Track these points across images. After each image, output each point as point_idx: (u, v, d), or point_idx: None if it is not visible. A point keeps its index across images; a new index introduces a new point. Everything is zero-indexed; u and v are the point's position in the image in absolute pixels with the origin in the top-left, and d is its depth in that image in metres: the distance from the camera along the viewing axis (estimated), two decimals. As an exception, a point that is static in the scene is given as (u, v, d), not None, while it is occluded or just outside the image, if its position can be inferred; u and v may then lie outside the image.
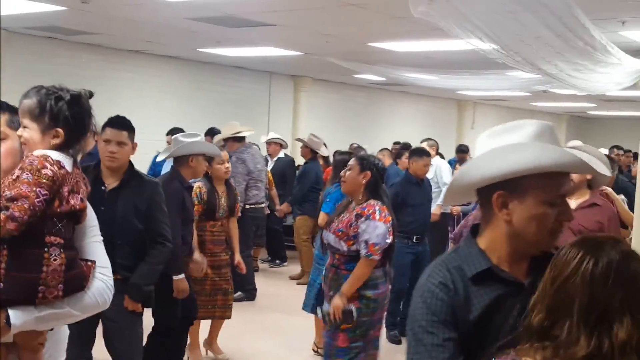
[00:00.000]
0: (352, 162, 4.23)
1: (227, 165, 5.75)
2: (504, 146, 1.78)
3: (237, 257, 6.04)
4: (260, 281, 8.61)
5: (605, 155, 4.68)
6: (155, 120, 10.68)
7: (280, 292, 8.74)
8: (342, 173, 4.36)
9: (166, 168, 6.37)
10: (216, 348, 5.91)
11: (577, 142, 4.71)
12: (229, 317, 5.79)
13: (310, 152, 9.40)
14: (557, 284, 1.58)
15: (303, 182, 9.13)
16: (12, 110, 2.20)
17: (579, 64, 6.12)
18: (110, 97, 9.70)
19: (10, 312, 1.95)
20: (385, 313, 4.50)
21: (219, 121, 9.43)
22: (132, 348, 4.12)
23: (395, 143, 11.71)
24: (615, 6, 6.38)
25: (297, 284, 8.98)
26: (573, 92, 7.46)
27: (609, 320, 1.51)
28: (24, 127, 2.11)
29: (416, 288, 1.81)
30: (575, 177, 3.72)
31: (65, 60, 10.81)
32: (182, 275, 4.76)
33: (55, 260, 2.03)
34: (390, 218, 3.95)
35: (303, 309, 6.16)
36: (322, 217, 6.09)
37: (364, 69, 11.45)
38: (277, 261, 10.47)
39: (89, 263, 2.18)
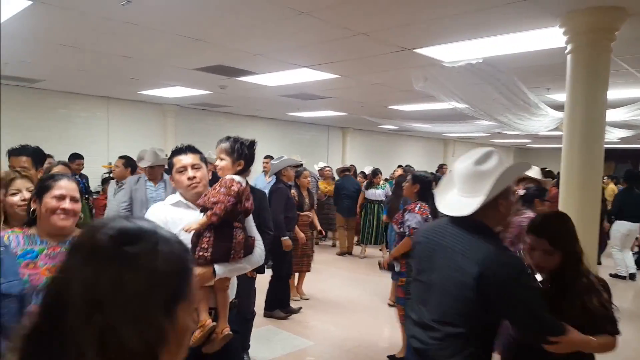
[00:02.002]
0: (408, 177, 4.15)
1: (308, 179, 5.79)
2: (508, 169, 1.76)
3: (319, 227, 6.18)
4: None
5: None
6: (260, 155, 10.80)
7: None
8: (403, 184, 4.34)
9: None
10: (301, 291, 5.86)
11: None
12: (309, 271, 5.74)
13: (340, 172, 9.03)
14: None
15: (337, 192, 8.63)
16: (199, 152, 2.28)
17: (520, 115, 5.94)
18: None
19: (215, 266, 2.07)
20: None
21: (300, 154, 9.52)
22: (251, 298, 4.16)
23: (399, 166, 11.23)
24: (543, 79, 6.26)
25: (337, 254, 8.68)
26: (517, 132, 7.23)
27: None
28: (221, 159, 2.23)
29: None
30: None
31: (211, 122, 11.11)
32: (287, 237, 4.88)
33: (239, 236, 2.13)
34: (427, 212, 3.78)
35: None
36: (385, 218, 6.61)
37: (385, 122, 11.38)
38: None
39: (252, 238, 2.25)
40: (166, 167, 4.82)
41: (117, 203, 4.76)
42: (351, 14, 3.89)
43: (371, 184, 8.29)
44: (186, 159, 2.20)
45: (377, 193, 8.21)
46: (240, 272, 2.21)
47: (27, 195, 2.07)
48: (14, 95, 8.06)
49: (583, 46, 3.70)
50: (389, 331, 4.97)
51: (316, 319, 5.17)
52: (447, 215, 1.84)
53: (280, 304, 5.18)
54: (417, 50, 4.89)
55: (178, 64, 6.00)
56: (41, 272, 1.77)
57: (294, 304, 5.43)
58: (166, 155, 5.22)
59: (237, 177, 2.17)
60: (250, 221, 2.30)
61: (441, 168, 10.66)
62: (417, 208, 3.80)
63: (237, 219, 2.15)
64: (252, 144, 2.27)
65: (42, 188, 1.84)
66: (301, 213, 5.43)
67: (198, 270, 2.00)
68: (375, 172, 8.36)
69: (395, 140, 16.52)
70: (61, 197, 1.82)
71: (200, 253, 2.03)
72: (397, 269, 3.91)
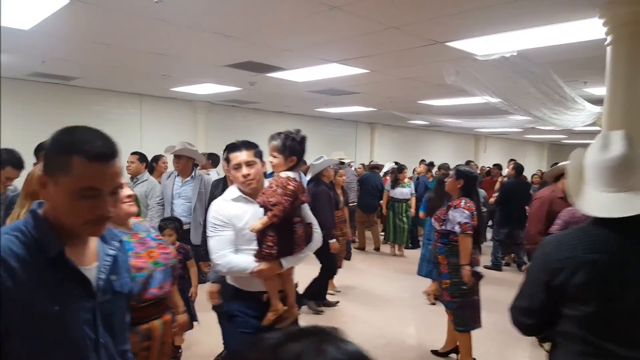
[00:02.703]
0: (452, 172, 3.92)
1: (344, 177, 5.77)
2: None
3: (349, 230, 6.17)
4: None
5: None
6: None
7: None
8: (445, 180, 4.05)
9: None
10: (333, 285, 5.85)
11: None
12: (341, 267, 5.68)
13: (370, 169, 8.96)
14: None
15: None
16: (256, 147, 2.33)
17: (556, 110, 5.77)
18: (263, 140, 9.81)
19: (282, 260, 2.22)
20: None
21: (327, 151, 9.48)
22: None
23: (421, 161, 11.01)
24: (580, 72, 6.08)
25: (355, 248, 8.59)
26: (552, 127, 7.03)
27: None
28: (274, 157, 2.30)
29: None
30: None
31: (241, 118, 11.24)
32: (335, 240, 4.94)
33: (299, 230, 2.27)
34: (473, 208, 3.56)
35: (418, 274, 5.78)
36: (422, 214, 6.25)
37: (414, 117, 11.24)
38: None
39: (310, 224, 2.37)
40: (196, 162, 4.88)
41: (148, 199, 4.83)
42: (382, 8, 3.85)
43: (397, 182, 8.12)
44: (241, 156, 2.26)
45: (405, 192, 8.04)
46: (302, 260, 2.37)
47: None
48: (50, 93, 8.33)
49: (624, 38, 3.57)
50: (419, 329, 4.93)
51: (346, 315, 5.17)
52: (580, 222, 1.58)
53: (316, 297, 5.23)
54: (449, 44, 4.82)
55: (209, 60, 6.08)
56: (145, 258, 2.03)
57: (329, 298, 5.46)
58: (199, 151, 5.29)
59: (291, 174, 2.26)
60: (305, 207, 2.40)
61: (468, 165, 10.48)
62: (462, 203, 3.58)
63: (296, 214, 2.28)
64: (303, 139, 2.33)
65: None
66: (336, 211, 5.42)
67: (266, 265, 2.18)
68: (401, 168, 8.20)
69: (425, 136, 16.33)
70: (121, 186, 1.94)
71: (267, 251, 2.18)
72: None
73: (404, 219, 8.02)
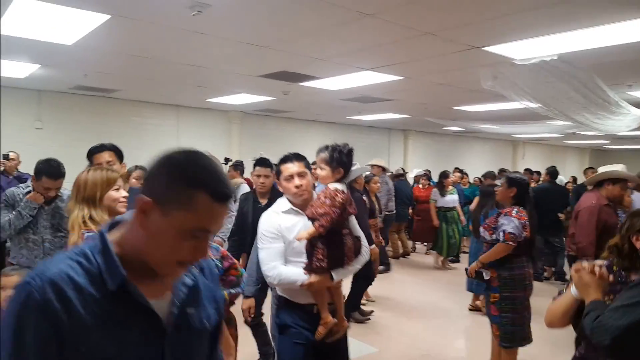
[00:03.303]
0: (502, 180, 3.70)
1: (378, 185, 5.71)
2: None
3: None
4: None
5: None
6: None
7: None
8: (495, 189, 3.92)
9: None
10: (368, 294, 5.77)
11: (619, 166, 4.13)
12: (375, 276, 5.51)
13: (395, 177, 8.69)
14: None
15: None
16: (305, 159, 2.37)
17: (599, 114, 5.58)
18: (295, 148, 9.89)
19: (332, 273, 2.22)
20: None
21: (359, 159, 9.45)
22: None
23: (455, 169, 10.71)
24: (624, 75, 5.83)
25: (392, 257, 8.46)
26: (594, 133, 6.80)
27: None
28: (322, 168, 2.33)
29: None
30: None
31: (274, 127, 11.35)
32: (374, 245, 4.84)
33: (349, 242, 2.28)
34: (525, 217, 3.37)
35: (468, 290, 5.52)
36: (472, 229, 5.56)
37: (449, 123, 11.09)
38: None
39: (358, 238, 2.37)
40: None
41: None
42: (417, 14, 3.81)
43: (443, 188, 7.78)
44: (292, 167, 2.30)
45: (455, 199, 7.77)
46: (352, 273, 2.39)
47: (125, 193, 2.19)
48: (92, 105, 8.64)
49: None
50: (458, 340, 4.81)
51: (381, 325, 5.09)
52: None
53: (353, 308, 5.17)
54: (487, 48, 4.72)
55: (244, 71, 6.16)
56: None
57: (363, 308, 5.39)
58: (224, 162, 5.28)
59: (339, 186, 2.27)
60: (353, 220, 2.41)
61: (502, 173, 10.10)
62: (514, 212, 3.40)
63: (344, 225, 2.29)
64: (350, 151, 2.35)
65: None
66: (371, 219, 5.38)
67: (317, 277, 2.20)
68: (446, 174, 7.91)
69: (460, 143, 16.05)
70: None
71: (317, 264, 2.19)
72: (486, 277, 3.49)
73: (455, 229, 7.70)
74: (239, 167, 7.04)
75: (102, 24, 4.19)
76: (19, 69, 6.27)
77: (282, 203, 2.36)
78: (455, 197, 7.83)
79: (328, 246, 2.20)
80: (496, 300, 3.43)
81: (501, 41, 4.49)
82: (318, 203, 2.22)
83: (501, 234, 3.34)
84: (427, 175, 9.42)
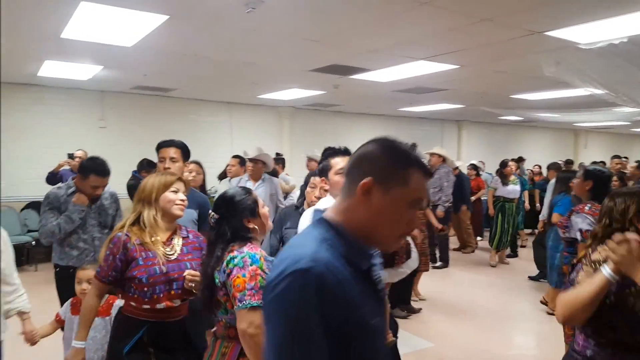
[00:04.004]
0: (579, 173, 3.57)
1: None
2: None
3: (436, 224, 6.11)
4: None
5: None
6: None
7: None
8: (571, 182, 3.74)
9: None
10: (418, 292, 5.70)
11: None
12: (427, 270, 5.52)
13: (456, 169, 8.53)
14: None
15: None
16: (350, 154, 2.36)
17: (673, 98, 5.18)
18: (345, 142, 9.87)
19: (383, 272, 2.19)
20: None
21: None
22: None
23: (516, 159, 10.15)
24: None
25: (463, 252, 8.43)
26: (666, 118, 6.36)
27: None
28: None
29: None
30: None
31: (324, 121, 11.29)
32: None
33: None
34: (598, 213, 3.29)
35: (550, 284, 5.25)
36: (555, 217, 4.76)
37: (506, 112, 10.68)
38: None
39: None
40: (269, 167, 5.00)
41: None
42: (475, 0, 3.67)
43: (505, 177, 7.46)
44: (342, 162, 2.30)
45: (517, 189, 7.44)
46: (401, 276, 2.33)
47: (183, 197, 2.22)
48: (151, 104, 8.98)
49: None
50: (516, 339, 4.65)
51: (436, 320, 5.00)
52: None
53: (401, 302, 5.11)
54: (549, 33, 4.48)
55: (295, 66, 6.18)
56: None
57: (413, 304, 5.31)
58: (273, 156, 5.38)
59: None
60: None
61: (567, 164, 9.60)
62: (587, 208, 3.23)
63: None
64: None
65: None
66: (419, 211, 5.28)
67: None
68: (505, 163, 7.64)
69: (518, 132, 15.42)
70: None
71: None
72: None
73: (511, 222, 7.42)
74: (280, 160, 7.35)
75: (160, 25, 4.32)
76: (83, 71, 6.58)
77: (328, 201, 2.29)
78: (518, 187, 7.52)
79: None
80: None
81: (564, 25, 4.25)
82: None
83: (578, 233, 3.18)
84: (475, 165, 9.18)
